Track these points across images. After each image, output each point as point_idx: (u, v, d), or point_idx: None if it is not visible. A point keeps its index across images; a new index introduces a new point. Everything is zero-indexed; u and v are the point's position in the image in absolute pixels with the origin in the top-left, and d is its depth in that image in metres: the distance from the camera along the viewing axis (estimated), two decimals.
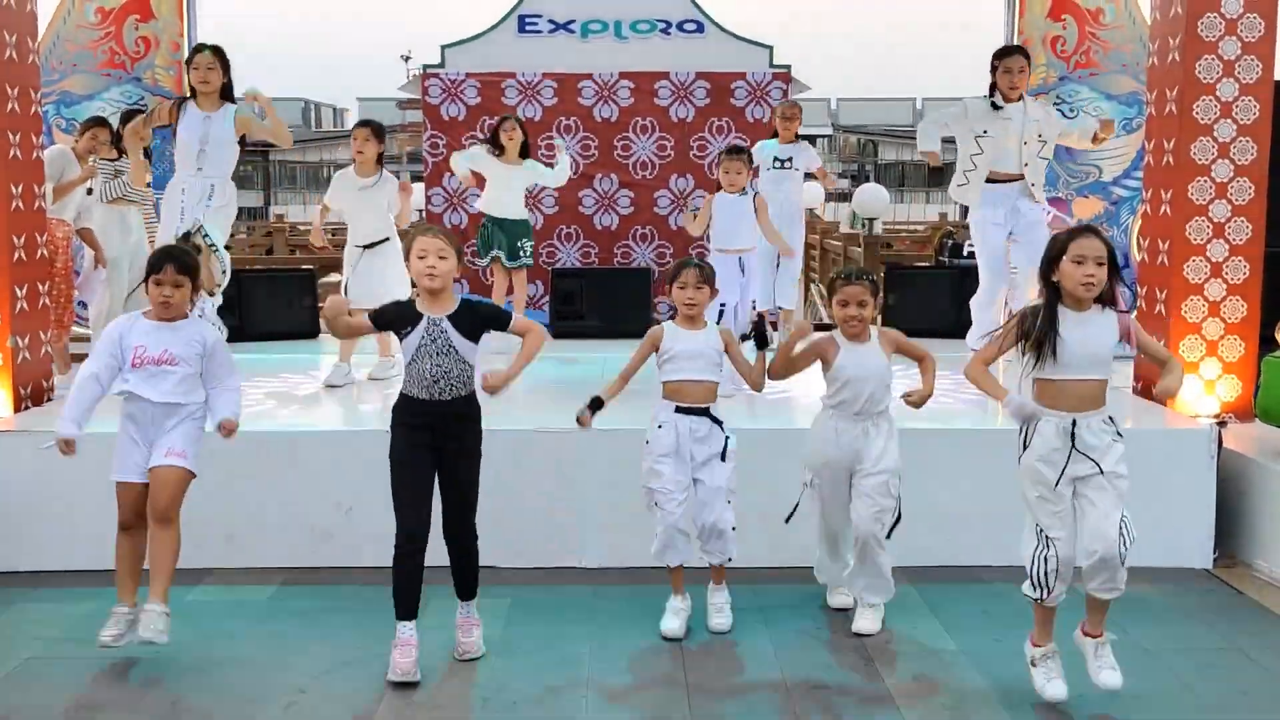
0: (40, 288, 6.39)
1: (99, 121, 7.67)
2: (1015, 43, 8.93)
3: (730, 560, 4.80)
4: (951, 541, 5.52)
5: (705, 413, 4.70)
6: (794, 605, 5.04)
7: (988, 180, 7.01)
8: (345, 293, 7.02)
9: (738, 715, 4.03)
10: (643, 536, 4.98)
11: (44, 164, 6.60)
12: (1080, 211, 8.99)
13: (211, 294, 6.49)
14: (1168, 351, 4.33)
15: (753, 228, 6.87)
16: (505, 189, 8.05)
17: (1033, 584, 4.02)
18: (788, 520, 4.88)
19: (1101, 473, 3.93)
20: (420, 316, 4.27)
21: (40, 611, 4.99)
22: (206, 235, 6.39)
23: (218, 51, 6.48)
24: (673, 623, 4.71)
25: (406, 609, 4.31)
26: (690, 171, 10.17)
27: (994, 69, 6.98)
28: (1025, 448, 4.02)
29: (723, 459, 4.68)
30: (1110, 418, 4.02)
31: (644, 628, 4.78)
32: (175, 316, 4.43)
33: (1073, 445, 3.92)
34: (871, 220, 20.58)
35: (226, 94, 6.51)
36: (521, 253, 8.07)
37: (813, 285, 15.77)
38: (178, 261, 4.42)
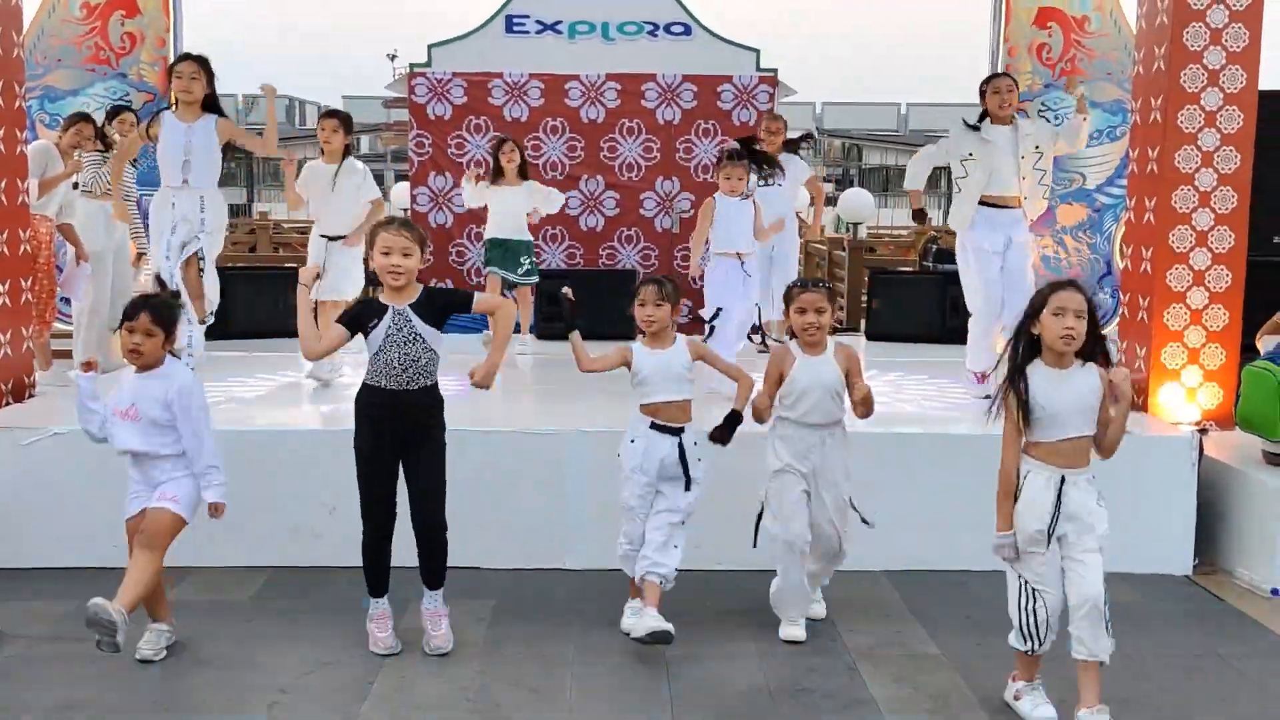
0: (23, 283, 6.35)
1: (83, 117, 7.61)
2: (999, 49, 8.98)
3: (669, 584, 4.59)
4: (936, 546, 5.54)
5: (679, 433, 4.66)
6: None
7: (985, 204, 6.78)
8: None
9: (720, 714, 4.04)
10: None
11: (27, 159, 6.56)
12: (1065, 219, 9.03)
13: (203, 321, 6.49)
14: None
15: (753, 231, 6.86)
16: (505, 212, 8.14)
17: (1022, 636, 4.01)
18: (754, 545, 4.77)
19: (1087, 537, 3.92)
20: (385, 308, 4.31)
21: (22, 609, 4.95)
22: (202, 258, 6.43)
23: (202, 62, 6.36)
24: (630, 620, 4.70)
25: (378, 587, 4.55)
26: (676, 174, 10.18)
27: (983, 94, 6.84)
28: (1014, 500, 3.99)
29: (687, 488, 4.65)
30: (1093, 476, 4.01)
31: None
32: (147, 365, 4.34)
33: (1058, 502, 3.91)
34: (856, 225, 20.61)
35: (209, 105, 6.38)
36: (522, 268, 8.18)
37: None
38: (153, 311, 4.31)
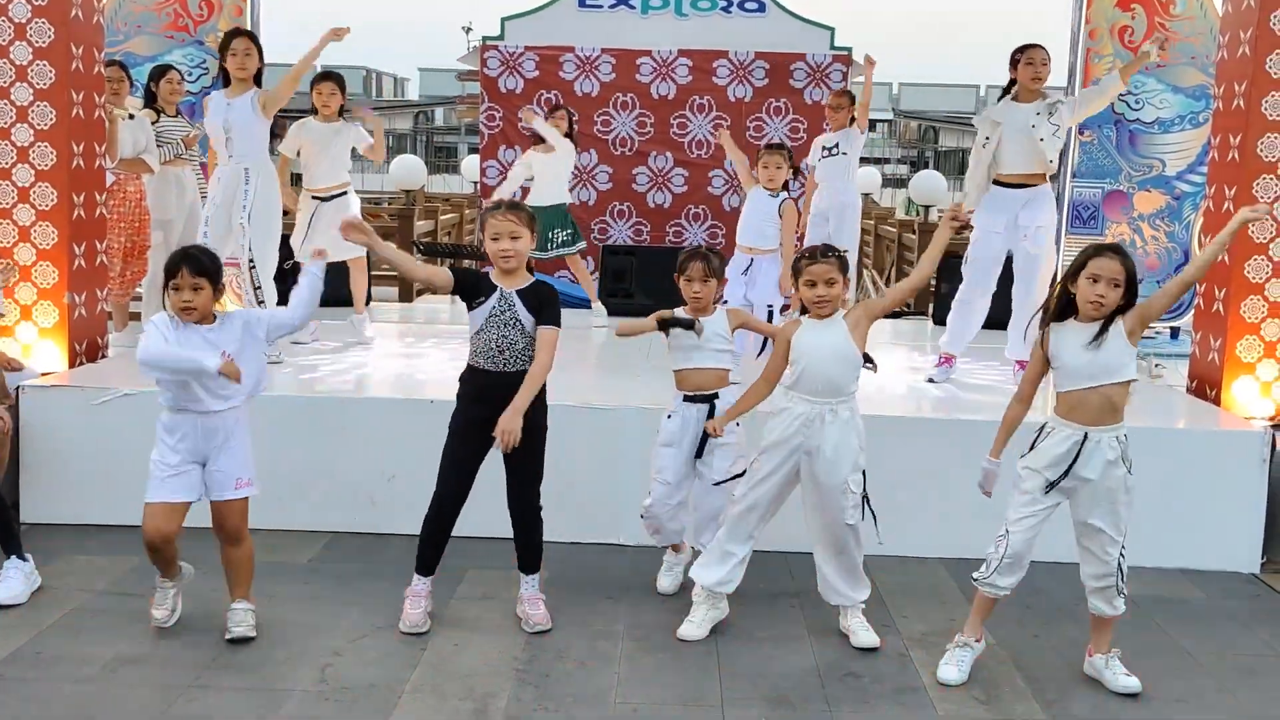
0: (98, 246, 6.47)
1: (111, 62, 7.24)
2: (1081, 30, 8.77)
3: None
4: (992, 535, 5.45)
5: (712, 399, 4.70)
6: None
7: (995, 183, 6.45)
8: (298, 252, 7.17)
9: (769, 696, 4.03)
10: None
11: (104, 124, 6.64)
12: (1142, 206, 8.83)
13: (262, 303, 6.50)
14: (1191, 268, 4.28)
15: (777, 230, 6.72)
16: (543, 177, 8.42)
17: (986, 563, 4.15)
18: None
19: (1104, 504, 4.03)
20: (494, 288, 4.38)
21: (85, 564, 5.07)
22: (253, 264, 6.47)
23: (253, 37, 6.56)
24: (664, 580, 4.99)
25: (426, 566, 4.55)
26: (747, 152, 10.07)
27: (1015, 63, 6.45)
28: (1032, 448, 4.10)
29: (699, 455, 4.71)
30: (1124, 435, 4.03)
31: (680, 606, 4.79)
32: (205, 320, 4.23)
33: (1075, 459, 3.98)
34: (927, 207, 20.38)
35: (257, 79, 6.48)
36: (551, 243, 8.35)
37: (865, 272, 15.66)
38: (192, 263, 4.16)
